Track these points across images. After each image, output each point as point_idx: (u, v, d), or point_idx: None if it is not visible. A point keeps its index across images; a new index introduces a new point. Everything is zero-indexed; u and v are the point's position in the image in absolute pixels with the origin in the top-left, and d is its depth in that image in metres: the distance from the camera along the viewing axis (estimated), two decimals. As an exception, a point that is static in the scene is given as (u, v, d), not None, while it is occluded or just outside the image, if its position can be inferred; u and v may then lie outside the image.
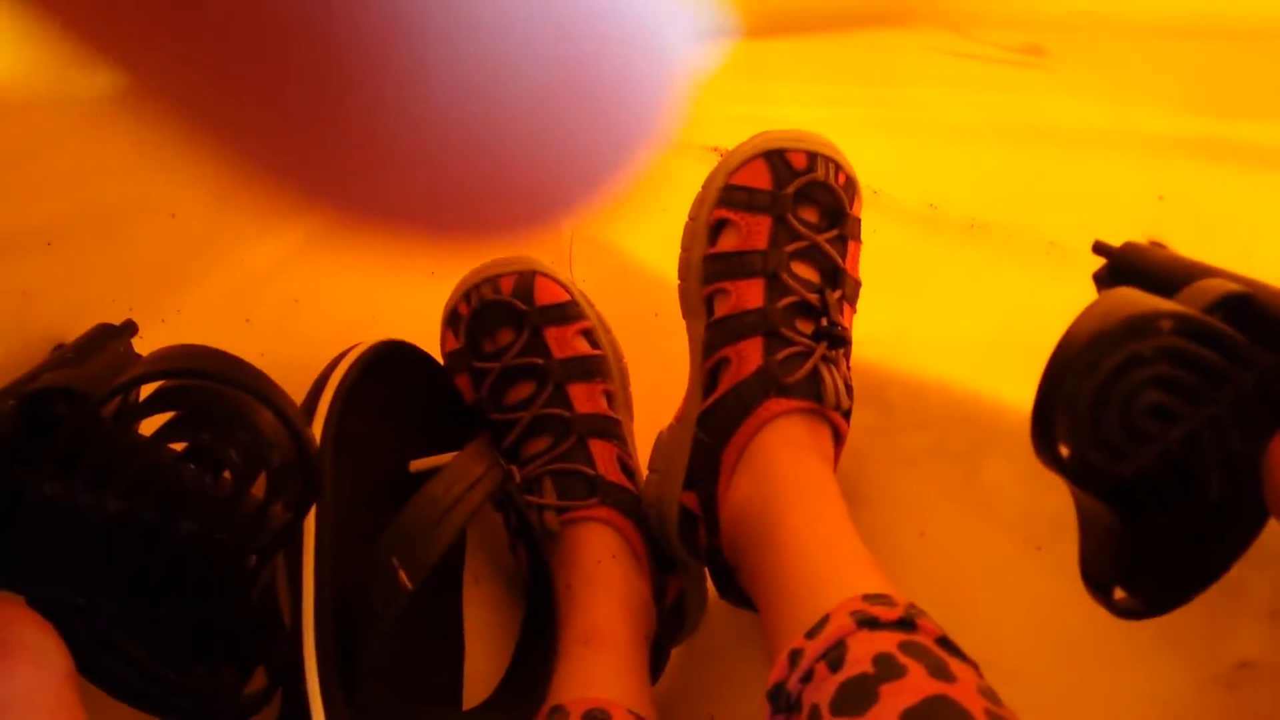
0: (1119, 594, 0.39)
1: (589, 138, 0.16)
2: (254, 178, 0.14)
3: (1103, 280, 0.45)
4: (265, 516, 0.33)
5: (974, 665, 0.40)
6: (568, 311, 0.62)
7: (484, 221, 0.16)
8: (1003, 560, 0.54)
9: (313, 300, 0.62)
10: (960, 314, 0.65)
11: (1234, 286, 0.37)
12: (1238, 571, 0.38)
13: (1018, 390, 0.53)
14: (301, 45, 0.12)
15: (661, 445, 0.60)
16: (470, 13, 0.13)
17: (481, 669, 0.55)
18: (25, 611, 0.29)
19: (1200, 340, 0.36)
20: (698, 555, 0.58)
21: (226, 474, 0.32)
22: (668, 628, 0.59)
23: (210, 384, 0.32)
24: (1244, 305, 0.37)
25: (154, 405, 0.32)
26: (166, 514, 0.31)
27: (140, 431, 0.32)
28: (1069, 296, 0.44)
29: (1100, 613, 0.38)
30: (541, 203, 0.17)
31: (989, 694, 0.38)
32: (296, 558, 0.40)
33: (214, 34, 0.12)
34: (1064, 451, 0.37)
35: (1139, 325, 0.36)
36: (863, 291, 0.60)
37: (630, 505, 0.59)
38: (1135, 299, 0.37)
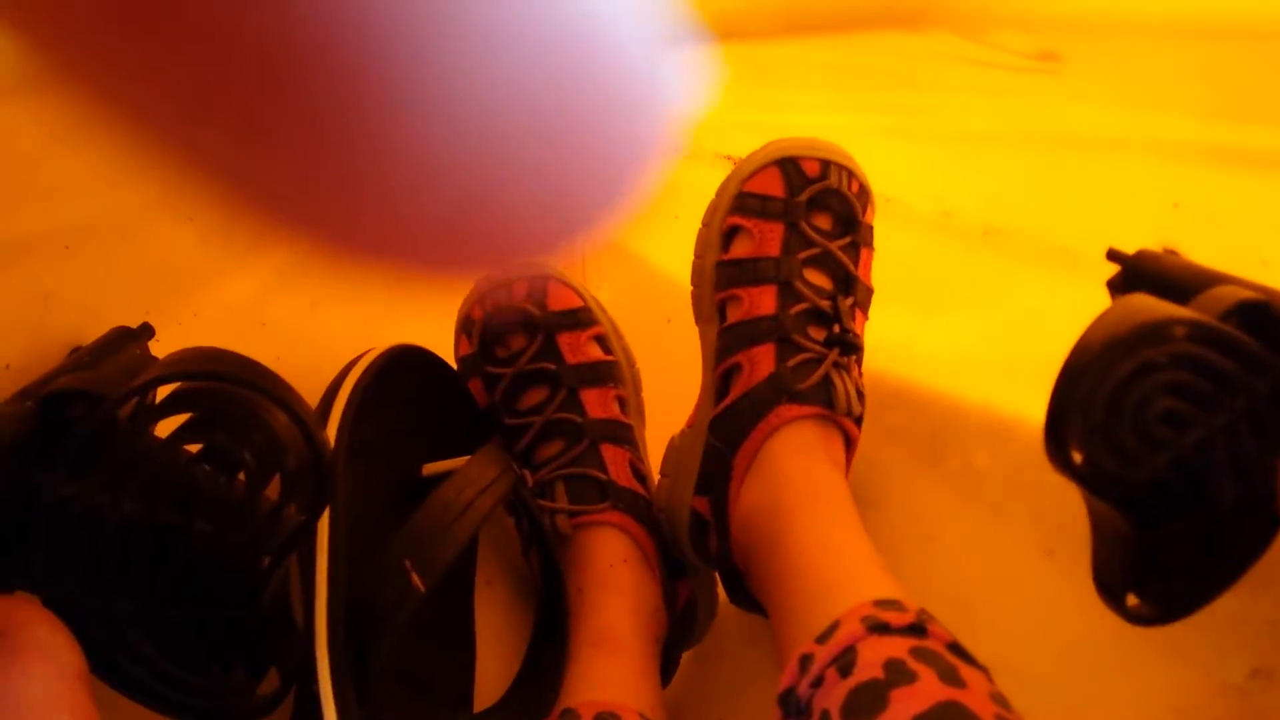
0: (1131, 600, 0.39)
1: (592, 159, 0.16)
2: (248, 213, 0.14)
3: (1117, 287, 0.45)
4: (279, 518, 0.33)
5: (985, 671, 0.40)
6: (580, 317, 0.62)
7: (490, 251, 0.16)
8: (1014, 566, 0.54)
9: (328, 304, 0.62)
10: (973, 320, 0.64)
11: (1249, 293, 0.37)
12: (1251, 578, 0.38)
13: (1031, 395, 0.53)
14: (300, 80, 0.12)
15: (673, 450, 0.60)
16: (465, 36, 0.13)
17: (493, 671, 0.55)
18: (39, 611, 0.29)
19: (1214, 347, 0.36)
20: (709, 560, 0.58)
21: (241, 476, 0.33)
22: (678, 632, 0.59)
23: (225, 386, 0.32)
24: (1259, 312, 0.37)
25: (169, 407, 0.32)
26: (181, 515, 0.32)
27: (156, 433, 0.33)
28: (1083, 303, 0.44)
29: (1112, 619, 0.38)
30: (549, 228, 0.16)
31: (1000, 700, 0.38)
32: (310, 559, 0.40)
33: (201, 64, 0.12)
34: (1077, 457, 0.36)
35: (1152, 332, 0.36)
36: (876, 298, 0.60)
37: (642, 510, 0.59)
38: (1149, 306, 0.37)
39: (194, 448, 0.33)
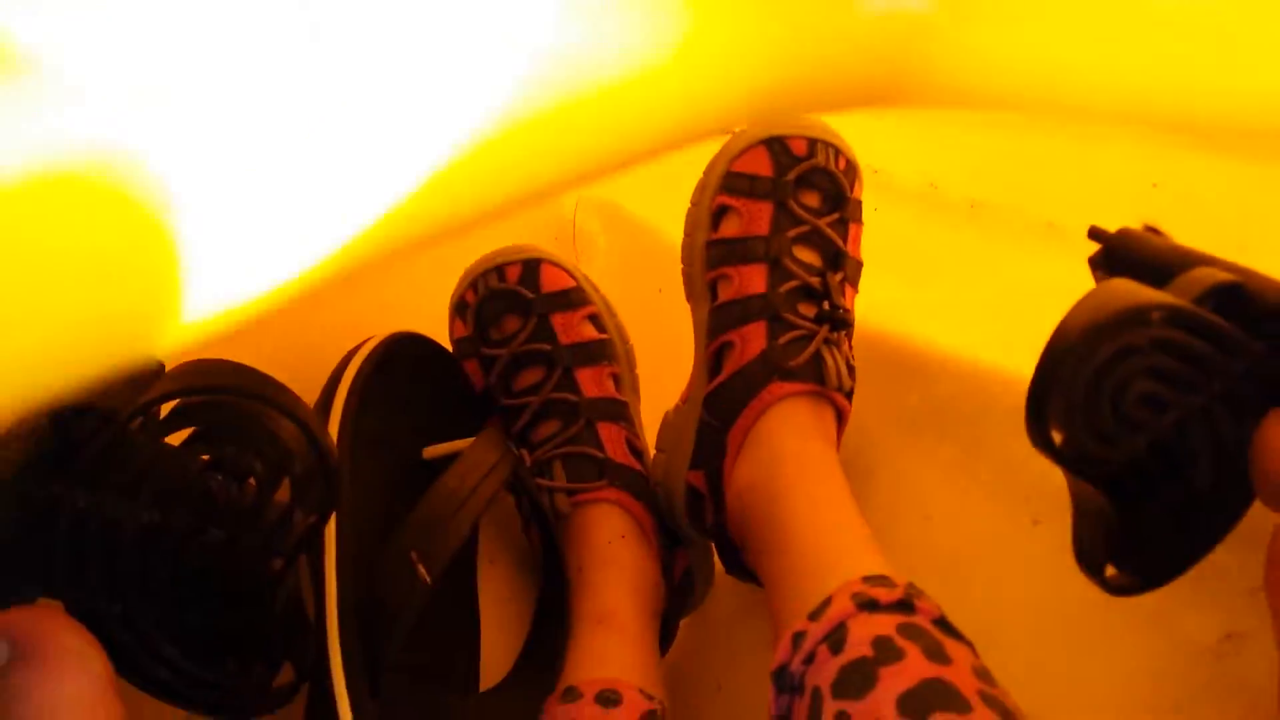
0: (1110, 571, 0.40)
1: None
2: None
3: (1098, 264, 0.46)
4: (289, 521, 0.34)
5: (969, 645, 0.42)
6: (573, 298, 0.63)
7: None
8: (1002, 534, 0.55)
9: (323, 296, 0.63)
10: (961, 291, 0.65)
11: (1225, 276, 0.38)
12: (1224, 548, 0.39)
13: (1017, 367, 0.54)
14: None
15: (668, 425, 0.62)
16: None
17: (499, 648, 0.57)
18: (65, 620, 0.30)
19: (1190, 330, 0.37)
20: (705, 532, 0.59)
21: (251, 482, 0.34)
22: (675, 602, 0.61)
23: (230, 399, 0.33)
24: (1234, 294, 0.38)
25: (177, 421, 0.33)
26: (195, 523, 0.33)
27: (167, 444, 0.34)
28: (1067, 276, 0.45)
29: (1094, 588, 0.40)
30: None
31: (983, 674, 0.40)
32: (318, 553, 0.42)
33: None
34: (1057, 438, 0.38)
35: (1131, 317, 0.36)
36: (865, 269, 0.60)
37: (639, 485, 0.60)
38: (1128, 291, 0.38)
39: (205, 457, 0.34)
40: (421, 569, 0.41)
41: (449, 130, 0.23)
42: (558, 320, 0.62)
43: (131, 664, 0.33)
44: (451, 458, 0.53)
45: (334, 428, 0.48)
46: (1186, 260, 0.41)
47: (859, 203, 0.60)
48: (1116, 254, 0.45)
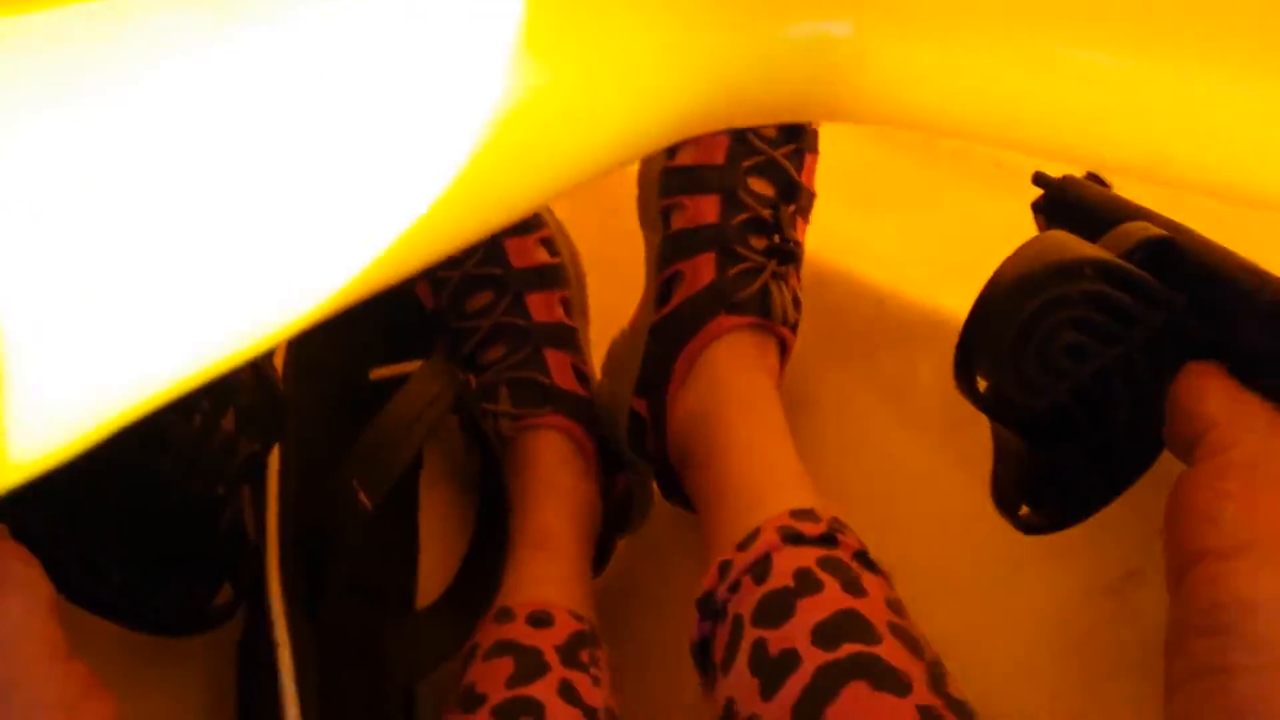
0: (1024, 510, 0.42)
1: None
2: None
3: (1040, 209, 0.46)
4: (234, 450, 0.35)
5: (885, 577, 0.44)
6: (527, 221, 0.62)
7: None
8: (927, 470, 0.57)
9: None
10: (908, 228, 0.66)
11: (1155, 231, 0.39)
12: (1132, 491, 0.41)
13: (955, 303, 0.55)
14: None
15: (615, 352, 0.62)
16: None
17: (437, 568, 0.58)
18: (8, 544, 0.31)
19: (1116, 284, 0.38)
20: (645, 457, 0.61)
21: (197, 415, 0.34)
22: (613, 521, 0.63)
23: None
24: (1163, 248, 0.39)
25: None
26: (141, 453, 0.33)
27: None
28: (1009, 215, 0.46)
29: (1009, 527, 0.42)
30: None
31: (895, 606, 0.42)
32: (261, 477, 0.42)
33: None
34: (982, 385, 0.39)
35: (1063, 270, 0.37)
36: (819, 200, 0.61)
37: (583, 411, 0.61)
38: (1060, 245, 0.38)
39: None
40: (363, 495, 0.42)
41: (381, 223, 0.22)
42: (511, 244, 0.62)
43: (74, 585, 0.34)
44: (399, 379, 0.53)
45: (280, 349, 0.48)
46: (1123, 212, 0.42)
47: (815, 133, 0.60)
48: (1057, 201, 0.46)
